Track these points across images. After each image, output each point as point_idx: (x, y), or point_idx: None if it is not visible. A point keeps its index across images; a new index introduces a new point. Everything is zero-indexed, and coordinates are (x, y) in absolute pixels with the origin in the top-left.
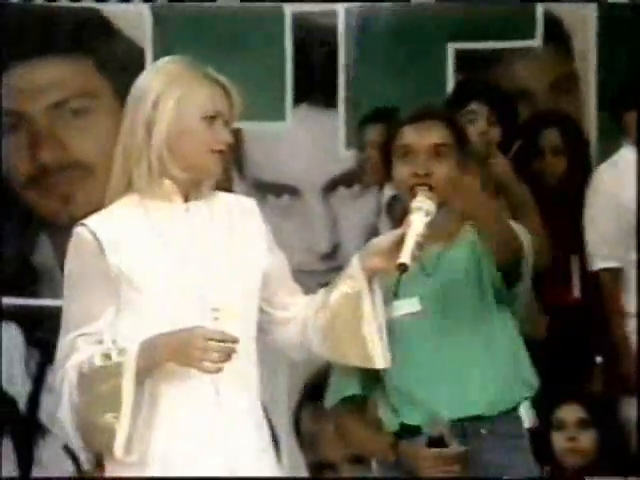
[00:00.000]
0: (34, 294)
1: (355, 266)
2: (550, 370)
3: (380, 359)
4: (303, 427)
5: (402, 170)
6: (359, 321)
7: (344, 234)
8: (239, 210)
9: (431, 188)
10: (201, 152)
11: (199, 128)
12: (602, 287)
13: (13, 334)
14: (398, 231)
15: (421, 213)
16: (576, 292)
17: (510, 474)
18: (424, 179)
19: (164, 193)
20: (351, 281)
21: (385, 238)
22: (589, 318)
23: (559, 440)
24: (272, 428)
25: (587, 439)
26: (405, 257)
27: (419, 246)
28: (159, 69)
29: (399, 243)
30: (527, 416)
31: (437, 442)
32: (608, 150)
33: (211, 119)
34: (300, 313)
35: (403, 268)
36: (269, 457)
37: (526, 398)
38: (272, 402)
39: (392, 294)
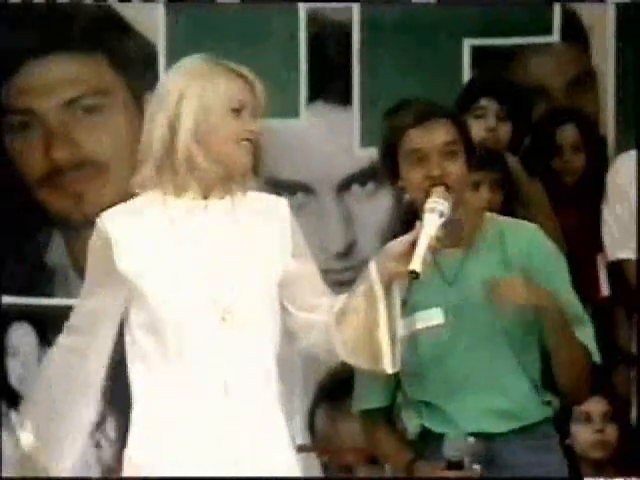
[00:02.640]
0: (47, 294)
1: (371, 272)
2: None
3: (389, 365)
4: (318, 427)
5: (415, 174)
6: (374, 327)
7: (359, 232)
8: (266, 210)
9: (448, 187)
10: (230, 143)
11: (226, 121)
12: (627, 276)
13: (26, 334)
14: (412, 234)
15: (435, 214)
16: (604, 290)
17: (539, 473)
18: (440, 180)
19: (183, 189)
20: (368, 287)
21: (400, 242)
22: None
23: (584, 433)
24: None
25: (612, 432)
26: (416, 264)
27: (433, 249)
28: (180, 68)
29: (413, 247)
30: None
31: (456, 465)
32: (626, 147)
33: (237, 111)
34: (323, 318)
35: (414, 275)
36: (284, 462)
37: (553, 413)
38: (287, 403)
39: (402, 302)
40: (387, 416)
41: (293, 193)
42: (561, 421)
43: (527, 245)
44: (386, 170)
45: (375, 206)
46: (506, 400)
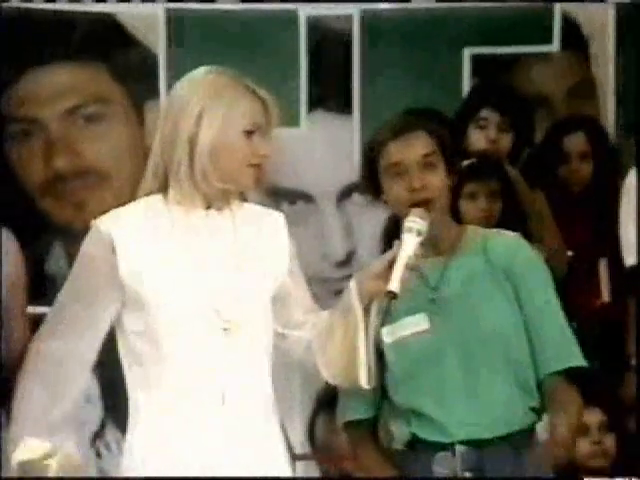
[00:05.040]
0: (47, 303)
1: (351, 291)
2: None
3: (365, 380)
4: (317, 437)
5: (396, 188)
6: (354, 347)
7: (359, 241)
8: (264, 224)
9: (429, 202)
10: (240, 166)
11: (239, 142)
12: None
13: None
14: (391, 253)
15: (412, 234)
16: (605, 296)
17: None
18: (421, 192)
19: (187, 199)
20: (348, 307)
21: (379, 261)
22: (620, 321)
23: (582, 445)
24: (286, 438)
25: (610, 442)
26: (393, 284)
27: (411, 268)
28: (199, 81)
29: (392, 266)
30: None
31: None
32: (626, 155)
33: (250, 133)
34: (308, 336)
35: (392, 295)
36: (280, 469)
37: (536, 421)
38: (286, 412)
39: (381, 321)
40: (371, 428)
41: (293, 201)
42: None
43: (509, 252)
44: (368, 185)
45: (375, 215)
46: (493, 405)
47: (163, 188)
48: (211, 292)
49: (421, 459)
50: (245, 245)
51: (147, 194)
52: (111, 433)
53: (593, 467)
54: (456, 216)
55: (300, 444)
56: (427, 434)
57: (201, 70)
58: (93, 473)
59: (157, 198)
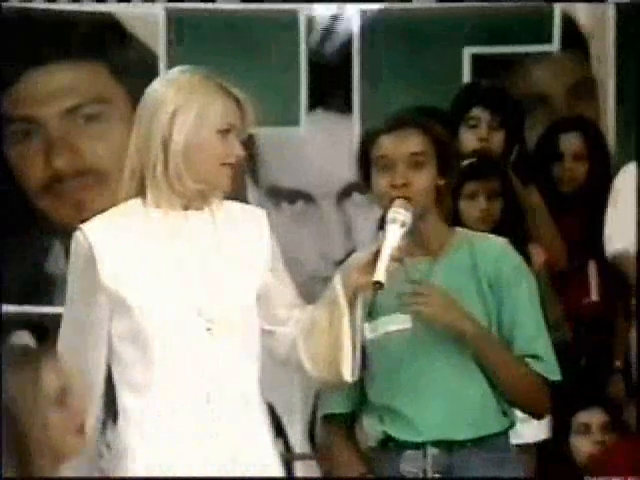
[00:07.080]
0: (47, 302)
1: (336, 284)
2: (569, 375)
3: (349, 373)
4: (318, 436)
5: (380, 182)
6: (338, 340)
7: (358, 241)
8: (244, 222)
9: (409, 201)
10: (213, 165)
11: (213, 141)
12: (621, 270)
13: (25, 343)
14: (375, 245)
15: (396, 225)
16: (594, 296)
17: None
18: (402, 190)
19: (164, 201)
20: (332, 301)
21: (364, 253)
22: (608, 322)
23: (584, 444)
24: (285, 437)
25: (611, 442)
26: (379, 275)
27: (396, 259)
28: (174, 80)
29: (377, 258)
30: (535, 430)
31: None
32: (626, 155)
33: (224, 132)
34: (293, 332)
35: (378, 286)
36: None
37: (510, 426)
38: (286, 412)
39: (367, 313)
40: (348, 423)
41: (293, 201)
42: (559, 433)
43: (496, 258)
44: (361, 176)
45: (375, 214)
46: (466, 407)
47: (141, 191)
48: (193, 293)
49: (392, 458)
50: (226, 244)
51: (126, 198)
52: (111, 433)
53: (594, 467)
54: (456, 216)
55: (300, 444)
56: (399, 433)
57: (175, 70)
58: (93, 473)
59: (136, 202)
